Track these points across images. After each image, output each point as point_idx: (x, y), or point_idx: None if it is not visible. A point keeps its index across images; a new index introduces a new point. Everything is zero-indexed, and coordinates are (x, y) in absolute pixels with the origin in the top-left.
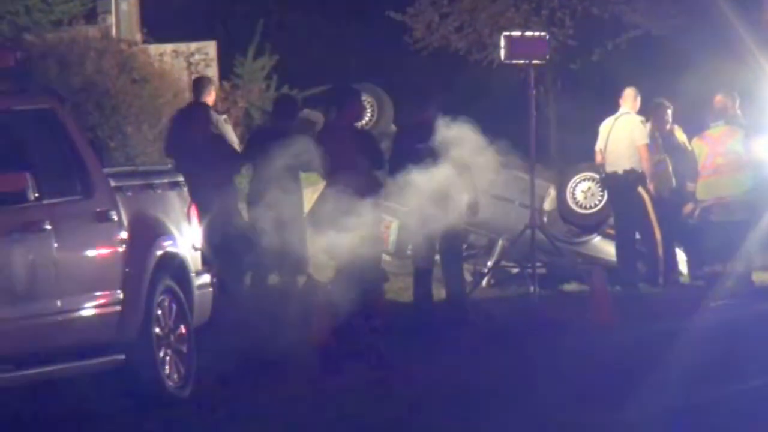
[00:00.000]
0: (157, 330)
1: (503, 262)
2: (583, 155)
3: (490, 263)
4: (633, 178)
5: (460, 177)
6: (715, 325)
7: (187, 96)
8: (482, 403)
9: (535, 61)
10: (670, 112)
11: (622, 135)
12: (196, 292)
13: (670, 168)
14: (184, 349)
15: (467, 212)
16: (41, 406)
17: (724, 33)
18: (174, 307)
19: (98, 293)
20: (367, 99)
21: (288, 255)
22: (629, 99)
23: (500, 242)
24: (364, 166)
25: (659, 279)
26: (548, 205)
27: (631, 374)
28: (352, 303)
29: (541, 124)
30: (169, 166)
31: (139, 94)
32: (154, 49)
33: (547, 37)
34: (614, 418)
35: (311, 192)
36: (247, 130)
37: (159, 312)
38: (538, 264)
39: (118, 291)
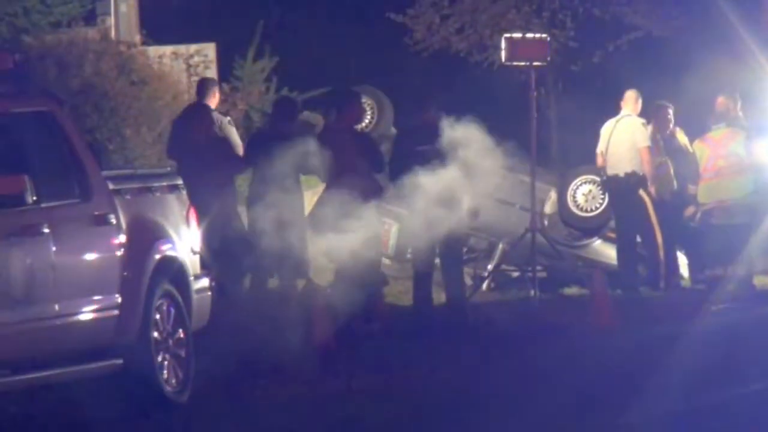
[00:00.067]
0: (156, 334)
1: (503, 266)
2: (584, 157)
3: (490, 267)
4: (634, 180)
5: (464, 180)
6: (716, 328)
7: (186, 98)
8: (482, 407)
9: (536, 63)
10: (672, 112)
11: (624, 137)
12: (195, 296)
13: (672, 171)
14: (183, 353)
15: (468, 216)
16: (39, 411)
17: (725, 34)
18: (172, 311)
19: (96, 297)
20: (366, 101)
21: (288, 258)
22: (630, 101)
23: (500, 246)
24: (364, 168)
25: (660, 282)
26: (549, 208)
27: (632, 378)
28: (352, 306)
29: (542, 126)
30: (168, 169)
31: (138, 96)
32: (153, 51)
33: (548, 38)
34: (615, 422)
35: (311, 195)
36: (246, 133)
37: (157, 316)
38: (539, 267)
39: (116, 295)
